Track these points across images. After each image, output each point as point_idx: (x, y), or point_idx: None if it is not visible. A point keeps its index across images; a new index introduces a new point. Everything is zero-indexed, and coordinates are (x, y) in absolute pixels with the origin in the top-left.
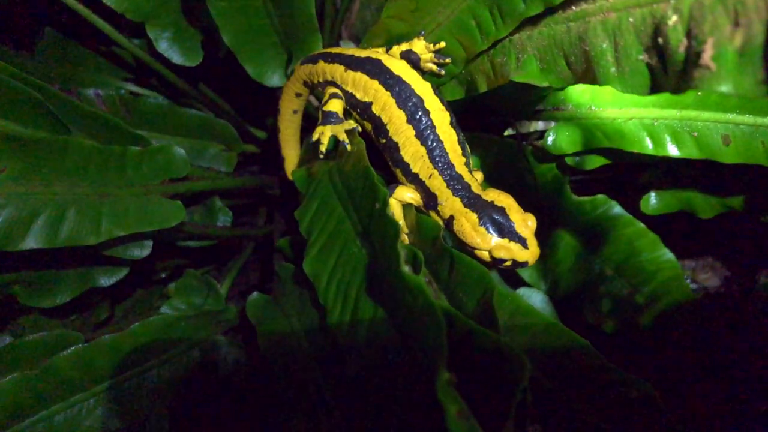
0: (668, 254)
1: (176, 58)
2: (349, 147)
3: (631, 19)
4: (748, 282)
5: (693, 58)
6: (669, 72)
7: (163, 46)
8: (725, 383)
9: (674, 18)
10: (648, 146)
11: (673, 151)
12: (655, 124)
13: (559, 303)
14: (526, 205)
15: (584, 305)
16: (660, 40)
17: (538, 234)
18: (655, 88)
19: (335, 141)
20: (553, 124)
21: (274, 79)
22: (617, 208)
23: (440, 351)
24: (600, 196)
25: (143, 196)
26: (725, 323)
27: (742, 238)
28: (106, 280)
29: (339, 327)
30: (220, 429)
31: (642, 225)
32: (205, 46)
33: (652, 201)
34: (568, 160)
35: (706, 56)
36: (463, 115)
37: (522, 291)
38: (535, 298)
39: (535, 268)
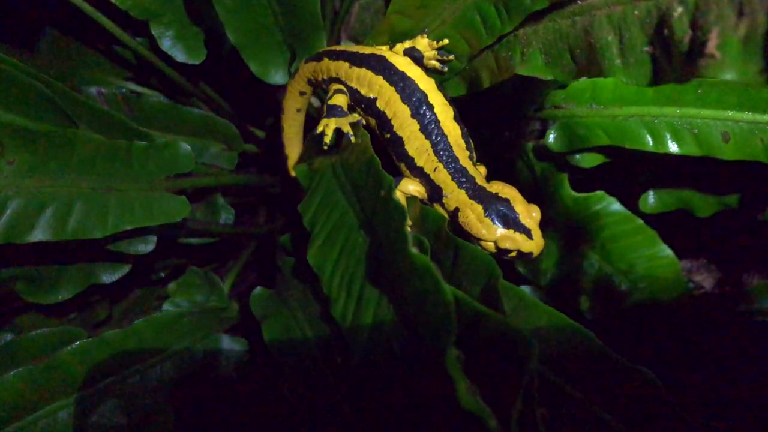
0: (666, 250)
1: (179, 56)
2: (353, 139)
3: (636, 12)
4: (742, 282)
5: (698, 47)
6: (673, 62)
7: (167, 44)
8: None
9: (680, 9)
10: (648, 143)
11: (673, 148)
12: (656, 121)
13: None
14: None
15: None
16: (665, 31)
17: None
18: (659, 79)
19: (338, 135)
20: (553, 122)
21: (277, 77)
22: (616, 205)
23: (449, 329)
24: (599, 193)
25: (149, 191)
26: (717, 321)
27: (738, 237)
28: (108, 277)
29: (343, 317)
30: (225, 426)
31: (641, 221)
32: (207, 45)
33: (650, 200)
34: (569, 158)
35: (711, 45)
36: (464, 113)
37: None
38: (534, 294)
39: (533, 265)
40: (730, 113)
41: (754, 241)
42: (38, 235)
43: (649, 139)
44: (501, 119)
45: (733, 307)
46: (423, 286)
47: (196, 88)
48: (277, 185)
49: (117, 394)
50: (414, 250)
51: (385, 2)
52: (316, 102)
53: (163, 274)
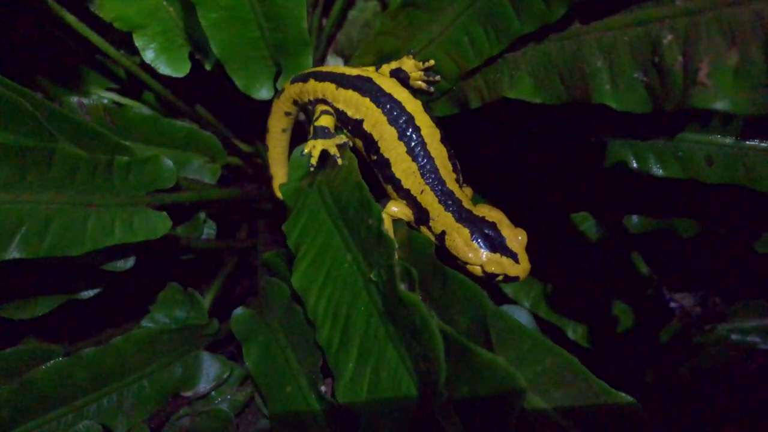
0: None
1: (163, 69)
2: (339, 161)
3: (626, 38)
4: (723, 301)
5: (689, 75)
6: (665, 90)
7: (150, 56)
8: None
9: (669, 37)
10: (633, 164)
11: (657, 171)
12: (640, 143)
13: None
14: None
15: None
16: (656, 58)
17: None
18: (651, 106)
19: (324, 156)
20: None
21: (262, 93)
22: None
23: (438, 372)
24: (582, 213)
25: (129, 206)
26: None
27: (720, 257)
28: (86, 293)
29: (329, 344)
30: None
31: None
32: (192, 58)
33: (634, 219)
34: None
35: (702, 74)
36: (451, 132)
37: (506, 308)
38: (519, 314)
39: (518, 285)
40: (714, 137)
41: (735, 261)
42: (14, 253)
43: (634, 160)
44: (489, 138)
45: (712, 326)
46: (412, 323)
47: (179, 100)
48: (261, 200)
49: (93, 413)
50: (403, 287)
51: (374, 16)
52: (301, 116)
53: (143, 288)
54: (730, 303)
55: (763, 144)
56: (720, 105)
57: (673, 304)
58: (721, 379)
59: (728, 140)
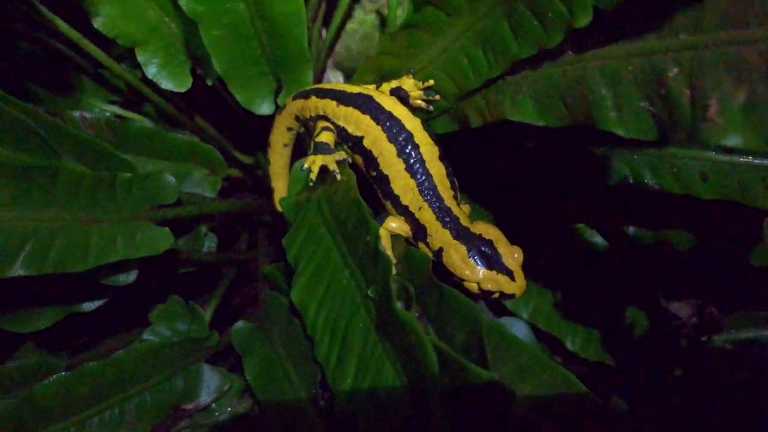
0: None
1: (165, 84)
2: (338, 177)
3: (630, 68)
4: (720, 312)
5: (699, 110)
6: (674, 120)
7: (152, 72)
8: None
9: (675, 70)
10: (629, 180)
11: (653, 186)
12: (636, 158)
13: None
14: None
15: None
16: (662, 90)
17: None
18: (659, 134)
19: (324, 171)
20: None
21: (263, 108)
22: (597, 237)
23: (433, 391)
24: (581, 225)
25: (132, 222)
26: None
27: (716, 268)
28: (88, 305)
29: (327, 360)
30: None
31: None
32: (193, 72)
33: (630, 232)
34: None
35: (712, 111)
36: (451, 149)
37: (504, 320)
38: (517, 327)
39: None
40: (709, 154)
41: (731, 273)
42: (19, 270)
43: (630, 175)
44: (490, 155)
45: (709, 337)
46: (408, 342)
47: (180, 113)
48: (261, 212)
49: (94, 427)
50: (399, 305)
51: (373, 28)
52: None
53: (145, 300)
54: (727, 314)
55: (756, 161)
56: (731, 141)
57: (668, 314)
58: (715, 387)
59: (723, 157)
